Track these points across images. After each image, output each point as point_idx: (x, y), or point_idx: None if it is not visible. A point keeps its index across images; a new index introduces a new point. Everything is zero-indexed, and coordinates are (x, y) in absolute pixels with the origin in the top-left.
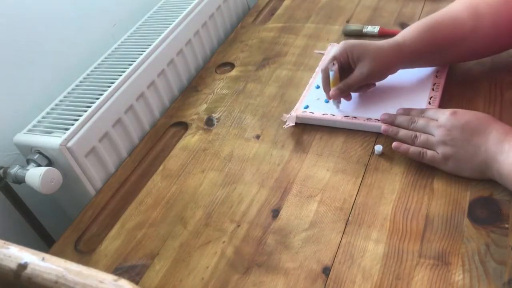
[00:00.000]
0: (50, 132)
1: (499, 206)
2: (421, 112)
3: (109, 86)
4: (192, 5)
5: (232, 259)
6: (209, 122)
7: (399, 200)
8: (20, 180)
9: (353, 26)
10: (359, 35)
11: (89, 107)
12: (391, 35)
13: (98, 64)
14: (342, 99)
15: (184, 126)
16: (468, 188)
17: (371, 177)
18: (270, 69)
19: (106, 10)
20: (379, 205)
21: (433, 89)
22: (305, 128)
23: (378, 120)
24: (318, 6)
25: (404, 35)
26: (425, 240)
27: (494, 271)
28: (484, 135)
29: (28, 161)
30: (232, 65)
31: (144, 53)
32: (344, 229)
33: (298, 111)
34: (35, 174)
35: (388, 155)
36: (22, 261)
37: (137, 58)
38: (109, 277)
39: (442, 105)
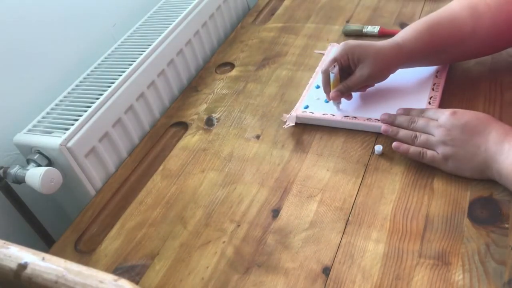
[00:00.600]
0: (50, 132)
1: (499, 206)
2: (421, 112)
3: (109, 86)
4: (192, 5)
5: (232, 259)
6: (209, 122)
7: (399, 200)
8: (20, 180)
9: (353, 26)
10: (359, 35)
11: (89, 107)
12: (391, 35)
13: (98, 64)
14: (342, 99)
15: (184, 126)
16: (468, 188)
17: (371, 177)
18: (270, 69)
19: (106, 10)
20: (379, 205)
21: (433, 89)
22: (305, 128)
23: (378, 120)
24: (318, 6)
25: (403, 35)
26: (425, 240)
27: (494, 271)
28: (484, 135)
29: (28, 161)
30: (232, 65)
31: (144, 53)
32: (344, 229)
33: (298, 111)
34: (35, 174)
35: (388, 155)
36: (22, 261)
37: (137, 58)
38: (109, 277)
39: (442, 105)
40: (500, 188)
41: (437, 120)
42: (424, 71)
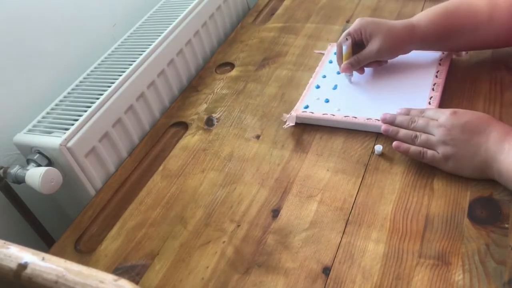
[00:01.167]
0: (50, 132)
1: (499, 206)
2: (421, 112)
3: (109, 86)
4: (192, 5)
5: (232, 259)
6: (209, 122)
7: (399, 200)
8: (20, 180)
9: None
10: None
11: (89, 107)
12: None
13: (98, 64)
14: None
15: (184, 126)
16: (468, 188)
17: (371, 177)
18: (270, 69)
19: (106, 10)
20: (379, 205)
21: (433, 89)
22: (305, 128)
23: (378, 120)
24: (318, 6)
25: (419, 17)
26: (425, 240)
27: (494, 271)
28: (484, 134)
29: (28, 161)
30: (232, 65)
31: (144, 53)
32: (344, 229)
33: (298, 111)
34: (35, 174)
35: (388, 155)
36: (22, 261)
37: (137, 58)
38: (109, 277)
39: (442, 105)
40: (500, 188)
41: (437, 120)
42: (424, 71)
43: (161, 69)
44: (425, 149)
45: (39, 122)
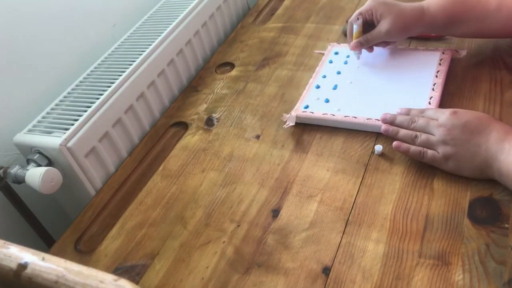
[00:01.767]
0: (50, 132)
1: (499, 206)
2: (421, 112)
3: (109, 86)
4: (192, 5)
5: (232, 259)
6: (209, 122)
7: (399, 200)
8: (20, 180)
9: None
10: None
11: (89, 107)
12: None
13: (98, 64)
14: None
15: (184, 126)
16: (468, 188)
17: (371, 177)
18: (270, 69)
19: (106, 10)
20: (379, 205)
21: (433, 89)
22: (305, 128)
23: (378, 120)
24: (318, 6)
25: (429, 1)
26: (425, 240)
27: (494, 271)
28: (484, 134)
29: (28, 161)
30: (232, 65)
31: (144, 53)
32: (344, 229)
33: (298, 111)
34: (35, 174)
35: (388, 155)
36: (22, 261)
37: (137, 58)
38: (109, 277)
39: (442, 105)
40: (500, 188)
41: (437, 120)
42: (424, 71)
43: (161, 69)
44: (425, 149)
45: (39, 122)
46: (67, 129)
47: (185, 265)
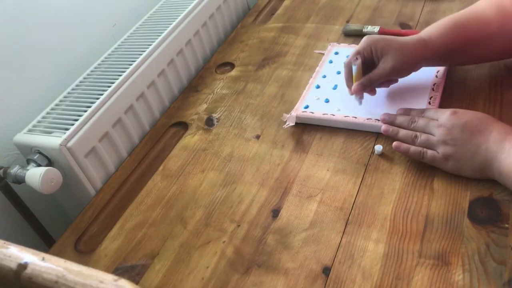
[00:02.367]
0: (50, 132)
1: (499, 206)
2: (421, 112)
3: (109, 86)
4: (192, 5)
5: (232, 259)
6: (209, 122)
7: (399, 200)
8: (20, 180)
9: (353, 26)
10: (359, 35)
11: (89, 107)
12: (391, 35)
13: (98, 64)
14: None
15: (184, 126)
16: (468, 188)
17: (371, 177)
18: (270, 69)
19: (106, 10)
20: (379, 205)
21: (433, 89)
22: (305, 128)
23: (378, 120)
24: (318, 6)
25: (429, 31)
26: (425, 240)
27: (494, 271)
28: (484, 134)
29: (28, 161)
30: (232, 65)
31: (144, 53)
32: (344, 229)
33: (298, 111)
34: (35, 174)
35: (388, 155)
36: (22, 261)
37: (137, 58)
38: (109, 277)
39: (442, 105)
40: (500, 188)
41: (437, 120)
42: (424, 71)
43: (161, 69)
44: (425, 149)
45: (39, 122)
46: (67, 129)
47: (185, 265)
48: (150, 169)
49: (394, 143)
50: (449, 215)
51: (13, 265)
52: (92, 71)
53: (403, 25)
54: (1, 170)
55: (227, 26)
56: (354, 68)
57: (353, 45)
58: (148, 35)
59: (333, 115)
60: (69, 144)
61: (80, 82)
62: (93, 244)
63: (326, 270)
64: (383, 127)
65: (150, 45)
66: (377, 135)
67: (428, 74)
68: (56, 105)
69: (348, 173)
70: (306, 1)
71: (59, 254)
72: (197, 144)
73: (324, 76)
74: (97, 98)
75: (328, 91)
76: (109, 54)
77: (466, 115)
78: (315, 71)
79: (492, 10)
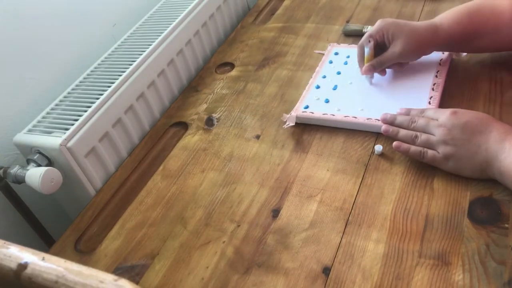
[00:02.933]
0: (50, 132)
1: (499, 206)
2: (421, 112)
3: (109, 86)
4: (192, 5)
5: (232, 259)
6: (209, 122)
7: (399, 200)
8: (20, 180)
9: (353, 26)
10: (359, 35)
11: (89, 107)
12: None
13: (98, 64)
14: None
15: (184, 126)
16: (468, 188)
17: (371, 177)
18: (270, 69)
19: (106, 10)
20: (379, 205)
21: (433, 89)
22: (305, 128)
23: (378, 120)
24: (318, 6)
25: (441, 17)
26: (425, 240)
27: (494, 271)
28: (484, 134)
29: (28, 161)
30: (232, 65)
31: (144, 53)
32: (344, 229)
33: (298, 111)
34: (35, 174)
35: (388, 155)
36: (22, 261)
37: (137, 58)
38: (109, 277)
39: (442, 105)
40: (500, 188)
41: (437, 120)
42: (424, 71)
43: (161, 69)
44: (425, 149)
45: (39, 122)
46: (67, 129)
47: (185, 265)
48: (150, 169)
49: (394, 143)
50: (449, 215)
51: (13, 265)
52: (92, 71)
53: None
54: (1, 170)
55: (227, 26)
56: (366, 49)
57: (353, 45)
58: (148, 35)
59: (333, 115)
60: (69, 144)
61: (80, 82)
62: (93, 244)
63: (326, 270)
64: (383, 127)
65: (150, 45)
66: (377, 135)
67: (428, 74)
68: (56, 105)
69: (348, 173)
70: (306, 1)
71: (59, 254)
72: (197, 144)
73: (324, 76)
74: (97, 98)
75: (328, 91)
76: (109, 54)
77: (466, 115)
78: (315, 71)
79: (506, 0)
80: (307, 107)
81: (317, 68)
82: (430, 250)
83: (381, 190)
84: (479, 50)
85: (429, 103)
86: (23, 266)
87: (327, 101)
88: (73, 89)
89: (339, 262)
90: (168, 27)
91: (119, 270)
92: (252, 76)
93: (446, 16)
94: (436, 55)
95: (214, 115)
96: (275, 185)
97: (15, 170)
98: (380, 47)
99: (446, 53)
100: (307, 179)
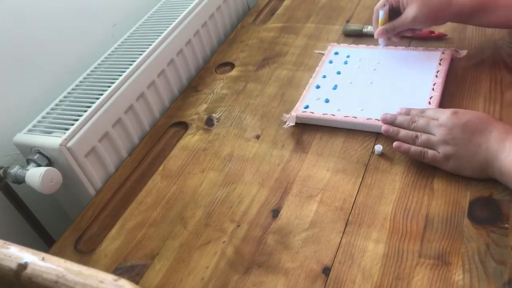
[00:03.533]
0: (50, 132)
1: (499, 206)
2: (421, 111)
3: (109, 86)
4: (192, 5)
5: (232, 259)
6: (209, 122)
7: (399, 200)
8: (20, 180)
9: (353, 26)
10: (359, 35)
11: (89, 107)
12: None
13: (98, 64)
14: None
15: (184, 126)
16: (468, 188)
17: (371, 177)
18: (270, 69)
19: (106, 10)
20: (379, 205)
21: (433, 89)
22: (305, 128)
23: (378, 120)
24: (318, 6)
25: None
26: (425, 240)
27: (494, 271)
28: (485, 134)
29: (28, 161)
30: (232, 65)
31: (144, 53)
32: (344, 229)
33: (298, 111)
34: (35, 174)
35: (388, 155)
36: (22, 261)
37: (137, 58)
38: (109, 277)
39: (442, 105)
40: (500, 188)
41: (437, 120)
42: (424, 71)
43: (161, 69)
44: (425, 149)
45: (39, 122)
46: (67, 129)
47: (185, 265)
48: (150, 169)
49: (395, 143)
50: (449, 215)
51: (13, 265)
52: (92, 71)
53: None
54: (1, 170)
55: (227, 26)
56: (381, 13)
57: (353, 45)
58: (148, 35)
59: (333, 115)
60: (69, 144)
61: (80, 82)
62: (93, 244)
63: (326, 270)
64: (384, 127)
65: (150, 45)
66: (377, 135)
67: (428, 74)
68: (56, 105)
69: (348, 173)
70: (306, 1)
71: (59, 254)
72: (197, 144)
73: (324, 76)
74: (97, 98)
75: (328, 91)
76: (109, 54)
77: (467, 115)
78: (315, 71)
79: None
80: (307, 107)
81: (317, 68)
82: (430, 250)
83: (381, 190)
84: (490, 25)
85: (429, 103)
86: (23, 266)
87: (327, 101)
88: (73, 89)
89: (339, 262)
90: (168, 27)
91: (119, 270)
92: (252, 76)
93: None
94: (436, 55)
95: (214, 115)
96: (275, 185)
97: (15, 170)
98: (395, 12)
99: (446, 53)
100: (307, 179)
